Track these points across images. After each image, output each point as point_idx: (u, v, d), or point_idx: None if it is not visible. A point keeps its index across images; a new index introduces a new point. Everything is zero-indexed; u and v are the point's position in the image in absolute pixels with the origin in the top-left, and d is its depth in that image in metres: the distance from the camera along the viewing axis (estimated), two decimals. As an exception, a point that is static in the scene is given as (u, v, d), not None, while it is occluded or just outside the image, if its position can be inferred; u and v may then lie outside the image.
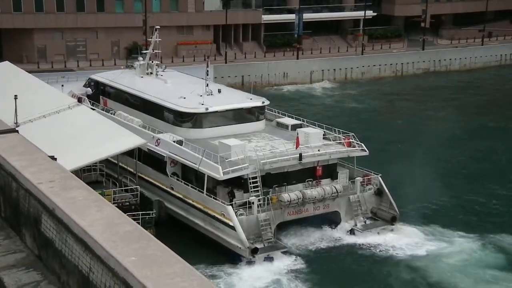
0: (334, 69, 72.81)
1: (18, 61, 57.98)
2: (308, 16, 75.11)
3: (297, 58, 72.04)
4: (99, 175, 35.97)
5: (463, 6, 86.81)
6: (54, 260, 8.73)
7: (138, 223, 29.94)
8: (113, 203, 30.32)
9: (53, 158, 10.65)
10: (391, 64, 75.80)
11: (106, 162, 36.22)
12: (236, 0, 74.31)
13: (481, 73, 78.29)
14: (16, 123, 32.88)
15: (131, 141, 33.59)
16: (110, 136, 33.64)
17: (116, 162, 35.86)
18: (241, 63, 69.48)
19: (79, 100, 39.46)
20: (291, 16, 74.77)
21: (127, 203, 33.02)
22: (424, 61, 77.68)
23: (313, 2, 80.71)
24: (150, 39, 45.44)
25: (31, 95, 36.71)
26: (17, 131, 11.86)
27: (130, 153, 35.13)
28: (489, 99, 67.27)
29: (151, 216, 32.21)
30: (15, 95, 32.73)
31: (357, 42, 78.39)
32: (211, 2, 73.19)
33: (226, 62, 68.27)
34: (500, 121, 58.21)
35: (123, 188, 34.00)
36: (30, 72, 45.99)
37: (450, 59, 79.16)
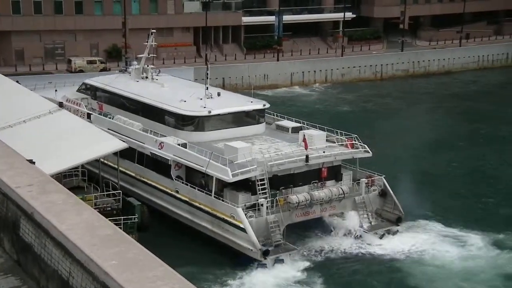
0: (314, 71, 73.00)
1: (-5, 64, 57.45)
2: (288, 18, 75.31)
3: (277, 60, 72.17)
4: (81, 180, 35.58)
5: (441, 7, 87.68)
6: (33, 265, 8.62)
7: (120, 228, 29.65)
8: (94, 209, 29.92)
9: (31, 161, 10.54)
10: (370, 65, 76.18)
11: (94, 165, 35.84)
12: (216, 2, 74.23)
13: (460, 74, 78.97)
14: (-6, 128, 32.38)
15: (112, 145, 33.28)
16: (91, 141, 33.27)
17: (98, 166, 35.43)
18: (221, 65, 69.42)
19: (60, 105, 39.05)
20: (271, 18, 74.89)
21: (109, 208, 32.66)
22: (403, 63, 78.15)
23: (293, 4, 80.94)
24: (146, 43, 44.86)
25: (11, 100, 36.26)
26: (-6, 135, 11.72)
27: (125, 156, 34.70)
28: (479, 100, 67.53)
29: (133, 221, 31.90)
30: None
31: (337, 43, 78.73)
32: (190, 4, 73.07)
33: (206, 64, 68.10)
34: (495, 123, 58.10)
35: (105, 193, 33.63)
36: (7, 75, 45.47)
37: (429, 61, 79.76)
